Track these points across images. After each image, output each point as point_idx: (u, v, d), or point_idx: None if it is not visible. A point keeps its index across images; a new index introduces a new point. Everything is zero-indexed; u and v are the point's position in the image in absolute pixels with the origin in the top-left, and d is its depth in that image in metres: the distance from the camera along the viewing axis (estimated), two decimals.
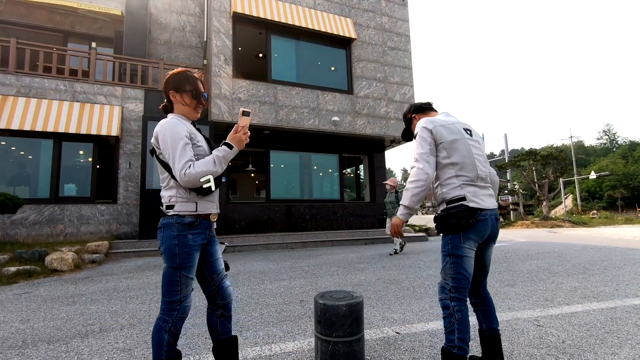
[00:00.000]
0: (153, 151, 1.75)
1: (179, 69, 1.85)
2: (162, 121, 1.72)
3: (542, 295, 3.75)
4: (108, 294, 4.17)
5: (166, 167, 1.69)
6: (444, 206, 1.97)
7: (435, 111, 2.24)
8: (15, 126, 7.47)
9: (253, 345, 2.46)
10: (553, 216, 23.25)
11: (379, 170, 12.32)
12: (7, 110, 7.57)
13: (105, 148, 9.02)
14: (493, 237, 1.99)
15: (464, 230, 1.86)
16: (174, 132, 1.64)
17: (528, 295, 3.77)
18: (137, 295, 4.10)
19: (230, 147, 1.71)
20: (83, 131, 8.00)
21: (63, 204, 8.05)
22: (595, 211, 28.04)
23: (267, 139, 10.55)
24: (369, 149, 12.27)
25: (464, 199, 1.89)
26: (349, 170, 15.53)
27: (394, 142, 12.19)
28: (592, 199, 39.14)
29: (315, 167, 11.99)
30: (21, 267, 5.37)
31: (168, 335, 1.64)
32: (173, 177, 1.66)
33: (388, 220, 7.66)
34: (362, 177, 13.80)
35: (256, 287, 4.36)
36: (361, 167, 13.86)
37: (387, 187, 7.81)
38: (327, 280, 4.74)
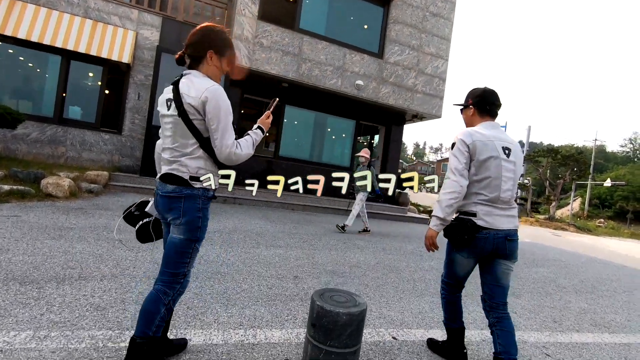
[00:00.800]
0: (183, 112, 1.53)
1: (219, 27, 1.68)
2: (212, 86, 1.54)
3: (550, 314, 3.51)
4: (97, 233, 4.00)
5: (196, 133, 1.56)
6: (456, 215, 2.07)
7: (492, 118, 2.15)
8: (22, 35, 6.99)
9: (237, 327, 2.25)
10: (558, 217, 22.89)
11: (394, 144, 11.82)
12: (15, 16, 7.04)
13: (115, 73, 8.57)
14: (501, 255, 1.98)
15: (458, 244, 2.02)
16: (227, 103, 1.57)
17: (535, 311, 3.53)
18: (126, 239, 3.91)
19: (262, 131, 1.76)
20: (93, 52, 7.51)
21: (66, 126, 7.78)
22: (602, 220, 27.57)
23: (284, 92, 9.99)
24: (388, 120, 11.67)
25: (474, 214, 1.98)
26: (362, 138, 15.02)
27: (416, 118, 11.55)
28: (602, 206, 38.40)
29: (329, 130, 11.51)
30: (15, 187, 5.20)
31: (165, 309, 1.59)
32: (202, 147, 1.58)
33: (357, 195, 6.78)
34: (375, 147, 13.33)
35: (250, 252, 4.16)
36: (376, 137, 13.35)
37: (362, 159, 6.84)
38: (325, 255, 4.53)
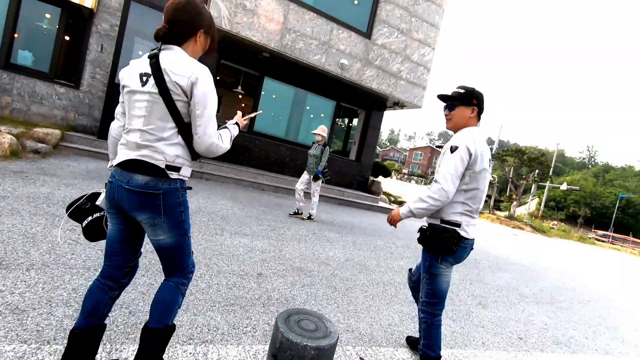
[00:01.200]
0: (165, 90, 1.33)
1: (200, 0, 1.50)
2: (202, 68, 1.40)
3: (515, 329, 3.48)
4: (35, 205, 3.48)
5: (176, 116, 1.37)
6: (436, 222, 2.00)
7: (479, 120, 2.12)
8: None
9: (185, 342, 1.95)
10: (517, 216, 23.98)
11: (373, 130, 11.58)
12: None
13: (75, 18, 7.59)
14: (461, 262, 2.09)
15: (446, 254, 1.95)
16: (214, 90, 1.44)
17: (501, 324, 3.48)
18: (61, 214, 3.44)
19: (239, 128, 1.71)
20: None
21: (14, 72, 6.85)
22: (555, 222, 29.27)
23: (264, 63, 9.38)
24: (369, 105, 11.37)
25: (459, 225, 1.94)
26: (340, 120, 14.67)
27: (397, 105, 11.30)
28: (556, 208, 40.78)
29: (308, 108, 11.05)
30: None
31: (182, 298, 1.54)
32: (181, 133, 1.41)
33: (305, 174, 6.39)
34: (353, 132, 13.04)
35: (212, 239, 3.81)
36: (355, 121, 13.05)
37: (318, 137, 6.28)
38: (293, 248, 4.26)
